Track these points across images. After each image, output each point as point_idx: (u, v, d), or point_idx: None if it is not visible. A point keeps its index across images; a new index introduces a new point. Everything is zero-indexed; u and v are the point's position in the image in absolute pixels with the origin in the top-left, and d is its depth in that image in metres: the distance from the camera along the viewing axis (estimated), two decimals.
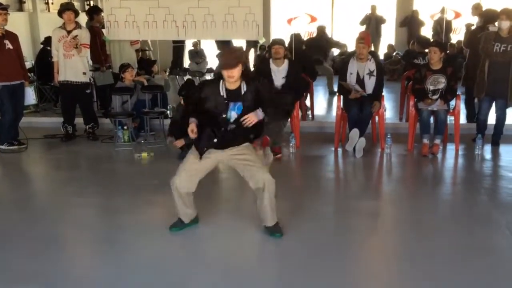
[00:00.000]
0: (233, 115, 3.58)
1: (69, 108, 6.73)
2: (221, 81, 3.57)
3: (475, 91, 6.10)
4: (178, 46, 12.88)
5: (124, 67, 6.80)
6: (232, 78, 3.51)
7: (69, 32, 6.43)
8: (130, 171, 5.61)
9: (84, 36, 6.53)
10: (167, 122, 6.59)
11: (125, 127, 6.41)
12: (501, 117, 6.02)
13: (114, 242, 3.74)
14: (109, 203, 4.58)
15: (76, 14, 6.59)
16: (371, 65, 5.84)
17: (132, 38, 7.64)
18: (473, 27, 7.84)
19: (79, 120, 6.86)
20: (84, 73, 6.57)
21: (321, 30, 11.27)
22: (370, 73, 5.84)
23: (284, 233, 3.70)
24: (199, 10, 7.19)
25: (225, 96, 3.56)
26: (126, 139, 6.40)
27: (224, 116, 3.56)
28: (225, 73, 3.50)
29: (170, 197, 4.69)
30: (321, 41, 10.89)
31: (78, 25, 6.57)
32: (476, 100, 6.53)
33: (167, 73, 11.04)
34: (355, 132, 5.68)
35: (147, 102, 6.56)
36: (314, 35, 11.70)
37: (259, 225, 3.93)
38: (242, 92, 3.57)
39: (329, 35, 11.95)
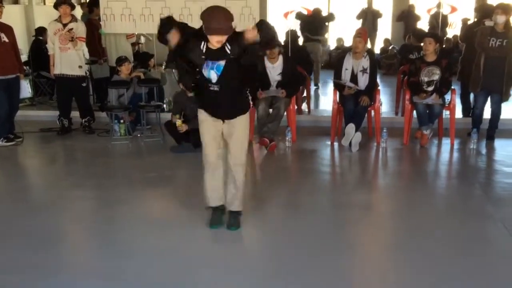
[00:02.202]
0: (212, 75, 3.40)
1: (65, 102, 6.72)
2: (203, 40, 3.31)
3: (471, 86, 6.12)
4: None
5: (121, 60, 6.78)
6: (220, 44, 3.27)
7: (65, 25, 6.41)
8: (126, 165, 5.61)
9: (80, 29, 6.51)
10: (164, 115, 6.59)
11: (121, 121, 6.40)
12: (496, 112, 6.05)
13: (111, 235, 3.74)
14: (106, 196, 4.59)
15: (72, 7, 6.57)
16: (365, 63, 5.86)
17: (128, 31, 7.61)
18: (469, 22, 7.85)
19: (75, 114, 6.85)
20: (80, 67, 6.55)
21: (317, 11, 11.05)
22: (364, 70, 5.86)
23: (240, 226, 3.70)
24: (195, 3, 7.14)
25: (204, 51, 3.33)
26: (122, 132, 6.40)
27: (203, 74, 3.40)
28: (214, 38, 3.24)
29: (167, 190, 4.76)
30: (316, 22, 10.68)
31: (74, 18, 6.55)
32: (471, 94, 6.56)
33: (163, 67, 11.02)
34: (351, 126, 5.70)
35: (144, 96, 6.55)
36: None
37: (255, 219, 3.96)
38: (227, 52, 3.30)
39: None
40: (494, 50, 5.77)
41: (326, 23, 10.76)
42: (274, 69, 6.08)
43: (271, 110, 5.99)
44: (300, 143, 6.11)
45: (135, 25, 7.36)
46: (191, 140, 5.83)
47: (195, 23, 7.04)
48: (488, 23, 5.89)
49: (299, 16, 10.23)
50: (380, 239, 3.80)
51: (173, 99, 6.25)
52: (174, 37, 3.33)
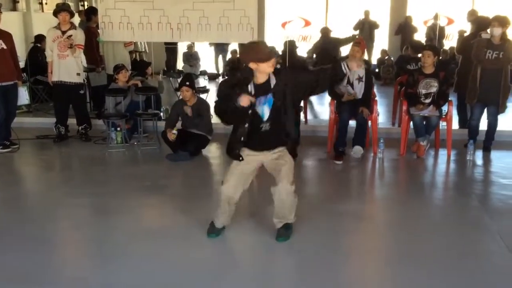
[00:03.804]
0: (265, 110, 3.47)
1: (62, 109, 6.71)
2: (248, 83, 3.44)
3: (467, 98, 6.14)
4: (170, 48, 12.90)
5: (118, 68, 6.78)
6: (273, 68, 3.41)
7: (64, 32, 6.41)
8: (122, 173, 5.60)
9: (79, 37, 6.52)
10: (161, 124, 6.58)
11: (118, 129, 6.40)
12: (492, 123, 6.07)
13: (106, 243, 3.73)
14: (101, 204, 4.57)
15: (72, 15, 6.59)
16: (361, 71, 5.88)
17: (127, 39, 7.62)
18: (465, 34, 7.90)
19: (72, 121, 6.83)
20: (78, 74, 6.55)
21: (324, 32, 10.93)
22: (359, 79, 5.88)
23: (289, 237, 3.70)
24: (194, 12, 7.19)
25: (253, 92, 3.43)
26: (119, 140, 6.39)
27: (256, 113, 3.46)
28: (267, 64, 3.37)
29: (163, 198, 4.74)
30: (326, 44, 10.61)
31: (73, 26, 6.56)
32: (468, 105, 6.58)
33: (161, 75, 11.06)
34: (359, 149, 5.77)
35: (141, 104, 6.55)
36: (315, 39, 11.22)
37: (250, 229, 3.95)
38: (272, 85, 3.45)
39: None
40: (491, 62, 5.79)
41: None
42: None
43: None
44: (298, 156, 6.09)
45: (133, 33, 7.38)
46: (188, 149, 5.83)
47: (193, 31, 7.23)
48: (484, 35, 5.92)
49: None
50: (376, 250, 3.79)
51: (172, 107, 6.24)
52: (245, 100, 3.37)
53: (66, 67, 6.44)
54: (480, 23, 6.52)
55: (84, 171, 5.70)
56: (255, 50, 3.45)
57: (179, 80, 8.89)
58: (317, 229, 3.98)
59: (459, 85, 6.77)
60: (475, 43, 5.99)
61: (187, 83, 5.89)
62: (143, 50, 11.51)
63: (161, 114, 7.22)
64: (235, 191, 3.63)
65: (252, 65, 3.41)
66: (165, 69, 12.40)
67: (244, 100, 3.33)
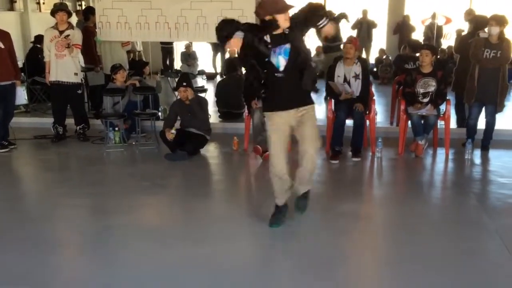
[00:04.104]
0: (281, 61, 3.54)
1: (60, 109, 6.70)
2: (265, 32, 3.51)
3: (465, 97, 6.15)
4: (165, 48, 12.89)
5: (116, 68, 6.78)
6: (288, 21, 3.49)
7: (61, 32, 6.40)
8: (121, 173, 5.59)
9: (77, 36, 6.51)
10: (159, 123, 6.58)
11: (116, 128, 6.39)
12: (490, 122, 6.07)
13: (105, 243, 3.72)
14: (100, 204, 4.56)
15: (69, 14, 6.58)
16: (357, 68, 5.89)
17: (124, 39, 7.61)
18: (463, 33, 7.90)
19: (70, 121, 6.82)
20: (76, 74, 6.54)
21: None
22: (356, 76, 5.88)
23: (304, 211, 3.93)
24: (191, 12, 7.17)
25: (268, 40, 3.50)
26: (117, 140, 6.38)
27: (271, 62, 3.53)
28: (282, 16, 3.46)
29: (161, 199, 4.74)
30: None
31: (70, 26, 6.55)
32: (466, 105, 6.58)
33: (159, 75, 11.05)
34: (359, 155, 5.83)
35: (139, 104, 6.54)
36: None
37: (250, 229, 3.95)
38: (287, 34, 3.53)
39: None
40: (488, 61, 5.80)
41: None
42: None
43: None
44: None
45: (131, 33, 7.36)
46: (186, 148, 5.83)
47: (191, 31, 7.21)
48: (482, 34, 5.92)
49: None
50: (375, 250, 3.78)
51: (170, 108, 6.24)
52: (237, 43, 3.52)
53: (64, 67, 6.43)
54: (477, 22, 6.52)
55: (82, 171, 5.69)
56: (272, 2, 3.49)
57: (177, 79, 8.90)
58: (316, 229, 3.98)
59: (457, 84, 6.77)
60: (472, 42, 6.00)
61: (184, 83, 5.88)
62: (139, 50, 11.51)
63: (159, 113, 7.21)
64: (281, 162, 3.71)
65: (268, 18, 3.47)
66: (163, 68, 12.39)
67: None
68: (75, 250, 3.78)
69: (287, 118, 3.69)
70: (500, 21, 5.75)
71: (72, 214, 4.32)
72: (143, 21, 7.28)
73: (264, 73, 3.58)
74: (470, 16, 7.25)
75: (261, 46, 3.51)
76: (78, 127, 6.75)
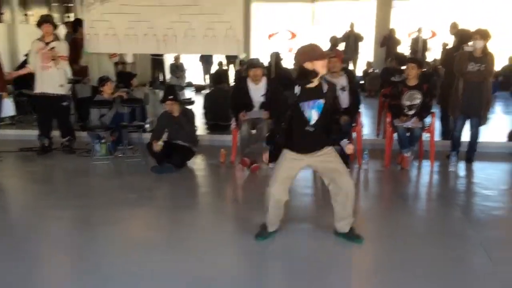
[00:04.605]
0: (313, 115, 3.61)
1: (45, 121, 6.66)
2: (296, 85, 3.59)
3: (450, 110, 6.22)
4: (157, 59, 12.92)
5: (103, 80, 6.76)
6: (326, 69, 3.57)
7: (47, 43, 6.39)
8: (107, 185, 5.56)
9: (62, 48, 6.50)
10: (146, 136, 6.57)
11: (103, 141, 6.36)
12: (474, 135, 6.14)
13: (91, 255, 3.69)
14: (86, 216, 4.53)
15: (55, 26, 6.57)
16: (343, 81, 5.94)
17: (112, 51, 7.61)
18: (448, 47, 8.02)
19: (56, 133, 6.78)
20: (61, 85, 6.52)
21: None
22: (342, 88, 5.93)
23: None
24: (180, 24, 7.20)
25: (298, 94, 3.57)
26: (104, 152, 6.35)
27: (302, 116, 3.58)
28: (320, 64, 3.51)
29: (148, 211, 4.72)
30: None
31: (56, 37, 6.54)
32: (451, 117, 6.66)
33: (147, 87, 11.05)
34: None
35: (126, 116, 6.53)
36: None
37: (238, 239, 3.94)
38: (324, 90, 3.60)
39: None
40: (473, 75, 5.88)
41: None
42: (258, 90, 6.12)
43: (254, 131, 6.01)
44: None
45: (119, 45, 7.37)
46: (173, 161, 5.82)
47: (179, 43, 7.23)
48: (467, 48, 6.01)
49: None
50: (361, 261, 3.80)
51: (157, 120, 6.24)
52: None
53: (49, 78, 6.41)
54: (462, 36, 6.63)
55: (68, 183, 5.65)
56: (311, 49, 3.57)
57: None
58: (304, 241, 3.99)
59: (442, 97, 6.85)
60: (457, 56, 6.08)
61: (171, 96, 5.90)
62: (132, 61, 11.51)
63: (147, 126, 7.20)
64: (283, 193, 3.76)
65: (307, 65, 3.51)
66: (152, 80, 12.40)
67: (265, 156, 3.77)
68: (61, 262, 3.74)
69: (305, 158, 3.76)
70: (484, 35, 5.84)
71: (58, 226, 4.28)
72: (132, 33, 7.29)
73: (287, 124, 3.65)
74: (455, 29, 7.36)
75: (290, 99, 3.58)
76: (64, 139, 6.71)
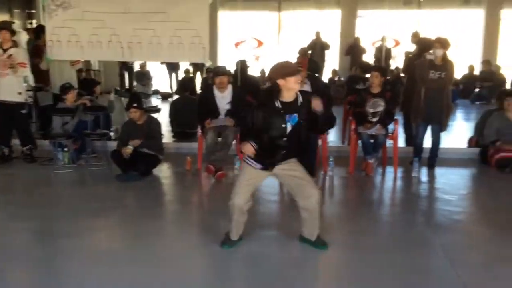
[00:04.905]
0: (288, 128, 3.65)
1: (4, 129, 6.48)
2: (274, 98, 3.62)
3: (412, 117, 6.35)
4: (126, 67, 12.78)
5: (66, 88, 6.65)
6: (299, 85, 3.62)
7: (5, 50, 6.25)
8: (70, 194, 5.46)
9: (21, 55, 6.35)
10: (110, 144, 6.47)
11: (65, 149, 6.24)
12: (435, 141, 6.28)
13: (54, 268, 3.61)
14: (47, 228, 4.43)
15: (13, 33, 6.43)
16: (307, 88, 5.99)
17: (76, 58, 7.49)
18: (411, 55, 8.20)
19: (16, 141, 6.61)
20: (20, 93, 6.36)
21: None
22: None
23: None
24: (145, 31, 7.14)
25: (280, 107, 3.61)
26: (66, 161, 6.24)
27: (283, 127, 3.62)
28: (293, 79, 3.57)
29: (113, 221, 4.65)
30: None
31: (14, 44, 6.39)
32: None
33: (112, 94, 10.90)
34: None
35: (90, 123, 6.43)
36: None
37: (201, 249, 3.91)
38: (299, 103, 3.65)
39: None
40: (434, 82, 6.02)
41: None
42: (223, 98, 6.12)
43: (219, 138, 6.00)
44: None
45: (83, 52, 7.26)
46: (138, 169, 5.75)
47: (144, 50, 7.17)
48: (428, 56, 6.15)
49: None
50: (326, 268, 3.83)
51: (122, 128, 6.16)
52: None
53: (7, 86, 6.25)
54: (423, 45, 6.79)
55: (29, 193, 5.51)
56: (283, 65, 3.67)
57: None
58: (269, 248, 3.99)
59: (404, 104, 6.99)
60: (418, 64, 6.22)
61: (135, 104, 5.84)
62: (97, 69, 11.36)
63: (111, 133, 7.10)
64: (246, 201, 3.80)
65: (280, 82, 3.58)
66: (117, 88, 12.23)
67: (247, 149, 3.62)
68: (22, 275, 3.64)
69: (262, 174, 3.80)
70: (444, 43, 6.00)
71: (19, 238, 4.17)
72: (96, 39, 7.20)
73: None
74: (416, 38, 7.54)
75: (275, 117, 3.61)
76: (24, 148, 6.55)
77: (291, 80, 3.58)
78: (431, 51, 6.13)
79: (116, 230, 4.48)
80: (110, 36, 7.16)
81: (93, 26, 7.13)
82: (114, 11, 7.08)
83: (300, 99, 3.67)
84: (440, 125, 6.16)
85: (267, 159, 3.74)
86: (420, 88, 6.11)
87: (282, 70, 3.61)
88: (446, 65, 6.01)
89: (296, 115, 3.64)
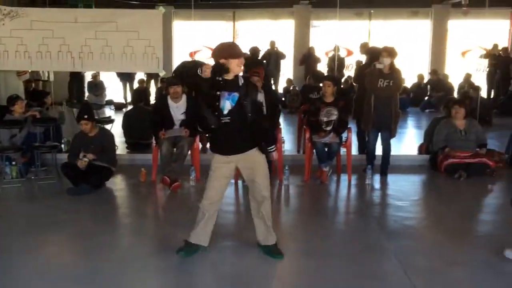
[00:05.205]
0: (227, 105, 3.63)
1: None
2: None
3: (363, 124, 6.48)
4: (76, 77, 12.49)
5: (13, 99, 6.44)
6: (241, 68, 3.65)
7: None
8: (18, 209, 5.28)
9: None
10: (60, 156, 6.30)
11: (13, 163, 6.03)
12: (386, 148, 6.42)
13: (1, 286, 3.46)
14: None
15: None
16: (261, 97, 6.04)
17: (24, 68, 7.31)
18: (362, 64, 8.39)
19: None
20: None
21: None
22: (260, 104, 6.01)
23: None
24: (96, 41, 7.04)
25: (221, 80, 3.58)
26: (14, 175, 6.03)
27: (217, 104, 3.60)
28: (236, 62, 3.59)
29: (63, 235, 4.51)
30: None
31: None
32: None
33: (64, 105, 10.64)
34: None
35: (39, 136, 6.23)
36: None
37: (156, 262, 3.84)
38: (240, 84, 3.67)
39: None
40: (382, 90, 6.16)
41: None
42: (178, 108, 6.08)
43: (175, 149, 5.94)
44: (204, 182, 6.02)
45: (31, 62, 7.07)
46: (90, 181, 5.61)
47: (96, 61, 7.05)
48: (378, 65, 6.30)
49: None
50: (280, 276, 3.84)
51: (72, 140, 6.00)
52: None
53: None
54: (372, 54, 6.95)
55: None
56: (228, 46, 3.70)
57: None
58: (224, 258, 3.97)
59: (356, 112, 7.13)
60: (368, 73, 6.37)
61: (86, 116, 5.70)
62: (47, 79, 11.05)
63: (62, 146, 6.91)
64: (216, 206, 3.83)
65: (222, 62, 3.57)
66: (68, 98, 11.94)
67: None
68: None
69: (233, 160, 3.78)
70: (391, 52, 6.17)
71: None
72: (45, 50, 7.05)
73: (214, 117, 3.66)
74: (365, 48, 7.73)
75: (213, 91, 3.61)
76: None
77: (234, 62, 3.61)
78: (380, 61, 6.29)
79: (67, 245, 4.35)
80: (59, 46, 7.02)
81: (42, 36, 6.98)
82: (63, 21, 6.95)
83: (242, 80, 3.71)
84: (390, 132, 6.31)
85: (225, 147, 3.74)
86: (370, 96, 6.25)
87: (227, 50, 3.64)
88: (393, 74, 6.17)
89: (237, 94, 3.65)
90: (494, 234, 4.54)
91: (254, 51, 9.97)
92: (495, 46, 12.76)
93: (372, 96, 6.21)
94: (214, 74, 3.54)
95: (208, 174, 3.87)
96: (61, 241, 4.44)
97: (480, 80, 11.90)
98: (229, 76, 3.64)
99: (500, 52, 12.72)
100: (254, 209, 3.92)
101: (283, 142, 6.91)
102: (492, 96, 12.42)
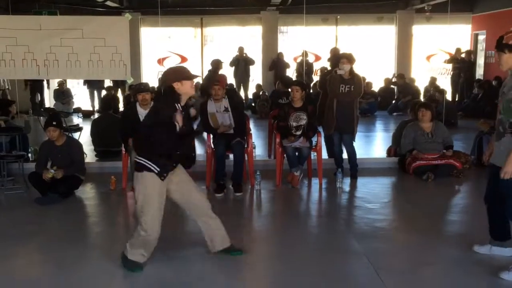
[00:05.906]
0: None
1: None
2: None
3: (325, 128, 6.56)
4: (35, 85, 12.23)
5: None
6: (193, 91, 3.81)
7: None
8: None
9: None
10: (27, 166, 6.16)
11: None
12: (350, 151, 6.49)
13: None
14: None
15: None
16: (226, 103, 6.07)
17: None
18: (326, 71, 8.49)
19: None
20: None
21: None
22: (225, 109, 6.05)
23: None
24: (62, 48, 6.93)
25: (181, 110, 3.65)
26: None
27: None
28: (188, 84, 3.65)
29: (31, 247, 4.40)
30: None
31: None
32: None
33: (29, 114, 10.42)
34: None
35: (4, 145, 6.08)
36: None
37: (123, 272, 3.80)
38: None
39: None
40: (343, 95, 6.26)
41: None
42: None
43: None
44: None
45: None
46: (58, 190, 5.51)
47: (62, 68, 6.94)
48: (339, 71, 6.38)
49: None
50: (254, 280, 3.84)
51: (40, 149, 5.88)
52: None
53: None
54: (335, 60, 7.04)
55: None
56: (179, 70, 3.74)
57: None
58: (194, 261, 3.94)
59: (319, 117, 7.20)
60: (330, 79, 6.45)
61: (54, 123, 5.60)
62: (6, 87, 10.82)
63: (29, 155, 6.76)
64: (158, 228, 3.76)
65: (176, 85, 3.60)
66: (33, 107, 11.69)
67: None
68: None
69: (170, 176, 3.76)
70: (349, 58, 6.28)
71: None
72: (8, 58, 6.91)
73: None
74: (335, 53, 7.81)
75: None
76: None
77: (188, 84, 3.64)
78: (340, 67, 6.38)
79: (36, 257, 4.25)
80: (24, 53, 6.89)
81: (6, 44, 6.85)
82: (27, 28, 6.82)
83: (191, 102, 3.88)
84: (352, 135, 6.40)
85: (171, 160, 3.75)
86: (332, 101, 6.34)
87: (179, 73, 3.67)
88: (353, 79, 6.28)
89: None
90: (462, 233, 4.65)
91: (216, 64, 9.95)
92: (458, 50, 13.11)
93: (334, 101, 6.30)
94: (167, 99, 3.65)
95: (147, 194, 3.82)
96: (29, 252, 4.33)
97: (445, 84, 12.19)
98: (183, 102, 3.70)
99: (463, 56, 13.07)
100: (196, 215, 4.01)
101: (254, 148, 6.92)
102: (457, 99, 12.73)
